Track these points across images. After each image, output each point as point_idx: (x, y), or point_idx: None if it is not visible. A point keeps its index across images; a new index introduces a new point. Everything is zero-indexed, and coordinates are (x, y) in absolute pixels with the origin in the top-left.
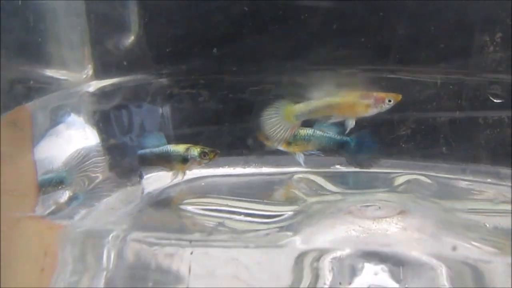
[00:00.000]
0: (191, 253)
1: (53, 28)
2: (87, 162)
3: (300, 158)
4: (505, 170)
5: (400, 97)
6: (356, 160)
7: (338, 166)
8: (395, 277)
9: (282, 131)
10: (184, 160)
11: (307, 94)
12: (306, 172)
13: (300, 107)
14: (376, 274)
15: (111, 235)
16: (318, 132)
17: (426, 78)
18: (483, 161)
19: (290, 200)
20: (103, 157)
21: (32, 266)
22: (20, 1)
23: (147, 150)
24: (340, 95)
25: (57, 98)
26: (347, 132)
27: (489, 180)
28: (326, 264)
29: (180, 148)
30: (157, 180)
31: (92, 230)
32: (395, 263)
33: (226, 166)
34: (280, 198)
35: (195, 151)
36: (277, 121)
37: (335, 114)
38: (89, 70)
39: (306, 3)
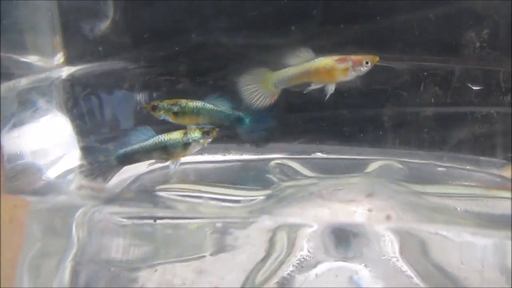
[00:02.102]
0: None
1: (23, 13)
2: None
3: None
4: (486, 158)
5: (377, 58)
6: (250, 137)
7: (318, 154)
8: (354, 249)
9: (261, 99)
10: (186, 145)
11: (286, 62)
12: (284, 158)
13: (278, 74)
14: (338, 247)
15: (80, 211)
16: (208, 106)
17: (405, 67)
18: (463, 149)
19: (264, 185)
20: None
21: None
22: None
23: (134, 147)
24: (318, 61)
25: (26, 83)
26: (326, 98)
27: (468, 167)
28: (296, 237)
29: (176, 135)
30: (133, 167)
31: (60, 205)
32: (356, 237)
33: (206, 154)
34: (254, 183)
35: (195, 133)
36: (255, 88)
37: (313, 80)
38: (61, 56)
39: None
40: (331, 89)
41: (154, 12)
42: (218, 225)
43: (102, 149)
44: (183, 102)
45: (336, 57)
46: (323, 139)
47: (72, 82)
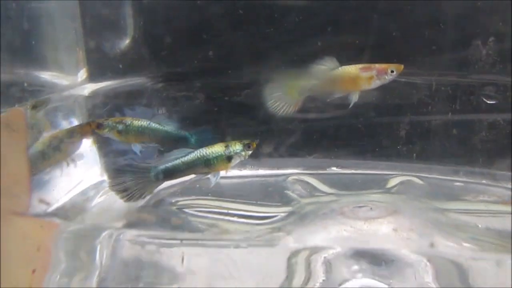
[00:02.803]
0: (183, 252)
1: (48, 31)
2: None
3: (136, 148)
4: (501, 172)
5: (402, 67)
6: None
7: (334, 168)
8: (383, 275)
9: (285, 106)
10: (228, 158)
11: (310, 70)
12: (301, 174)
13: (303, 83)
14: (365, 272)
15: (104, 233)
16: (153, 125)
17: (420, 81)
18: (478, 163)
19: (284, 202)
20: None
21: (25, 264)
22: (14, 4)
23: (176, 162)
24: (342, 69)
25: (51, 101)
26: (350, 107)
27: (484, 181)
28: (318, 262)
29: (218, 149)
30: None
31: (85, 229)
32: (384, 261)
33: None
34: (274, 199)
35: (236, 146)
36: (280, 96)
37: (337, 88)
38: (84, 73)
39: (299, 3)
40: (354, 97)
41: (172, 29)
42: (242, 245)
43: (133, 166)
44: (128, 120)
45: (360, 66)
46: (338, 154)
47: (94, 99)
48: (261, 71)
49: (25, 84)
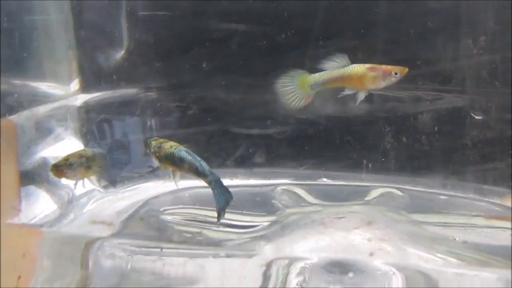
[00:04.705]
0: (163, 262)
1: (41, 43)
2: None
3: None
4: (489, 187)
5: (406, 70)
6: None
7: (324, 179)
8: (354, 284)
9: (297, 100)
10: None
11: (322, 66)
12: (290, 184)
13: (315, 77)
14: (337, 282)
15: (88, 241)
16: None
17: (405, 94)
18: (467, 177)
19: (269, 211)
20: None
21: (11, 270)
22: (7, 17)
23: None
24: (351, 67)
25: (43, 111)
26: (356, 104)
27: (470, 195)
28: (292, 272)
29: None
30: (142, 191)
31: (71, 236)
32: (357, 271)
33: None
34: (260, 209)
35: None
36: (292, 89)
37: (346, 85)
38: (76, 84)
39: (298, 20)
40: (361, 96)
41: (166, 42)
42: (221, 253)
43: None
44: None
45: (368, 65)
46: (329, 165)
47: (86, 109)
48: (254, 84)
49: (16, 95)
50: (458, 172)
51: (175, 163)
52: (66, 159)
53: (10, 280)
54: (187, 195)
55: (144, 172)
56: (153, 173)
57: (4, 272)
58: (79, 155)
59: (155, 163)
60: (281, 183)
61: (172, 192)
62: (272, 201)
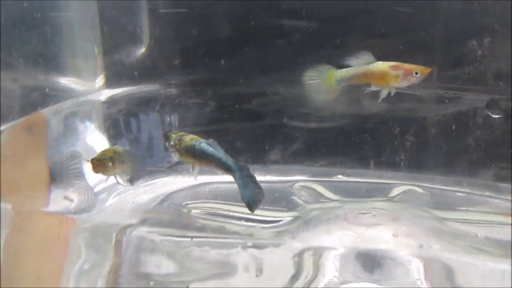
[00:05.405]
0: (193, 252)
1: (68, 39)
2: None
3: None
4: (504, 185)
5: (428, 70)
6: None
7: (340, 176)
8: (379, 274)
9: (322, 94)
10: None
11: (347, 63)
12: (308, 181)
13: (341, 72)
14: (364, 271)
15: (118, 229)
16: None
17: (424, 92)
18: (481, 175)
19: (289, 207)
20: None
21: (45, 251)
22: (38, 14)
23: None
24: (375, 65)
25: (70, 105)
26: (379, 101)
27: (486, 193)
28: (323, 260)
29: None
30: (162, 185)
31: (100, 225)
32: (382, 262)
33: None
34: (280, 204)
35: None
36: (319, 83)
37: (371, 82)
38: (101, 80)
39: (313, 18)
40: (384, 93)
41: (186, 39)
42: (248, 244)
43: None
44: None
45: (392, 64)
46: (345, 162)
47: (109, 104)
48: (271, 81)
49: (46, 90)
50: (474, 170)
51: (195, 156)
52: (104, 154)
53: (44, 261)
54: (207, 190)
55: (164, 167)
56: (171, 169)
57: (38, 253)
58: (113, 151)
59: (175, 156)
60: (298, 180)
61: (192, 187)
62: (292, 197)
